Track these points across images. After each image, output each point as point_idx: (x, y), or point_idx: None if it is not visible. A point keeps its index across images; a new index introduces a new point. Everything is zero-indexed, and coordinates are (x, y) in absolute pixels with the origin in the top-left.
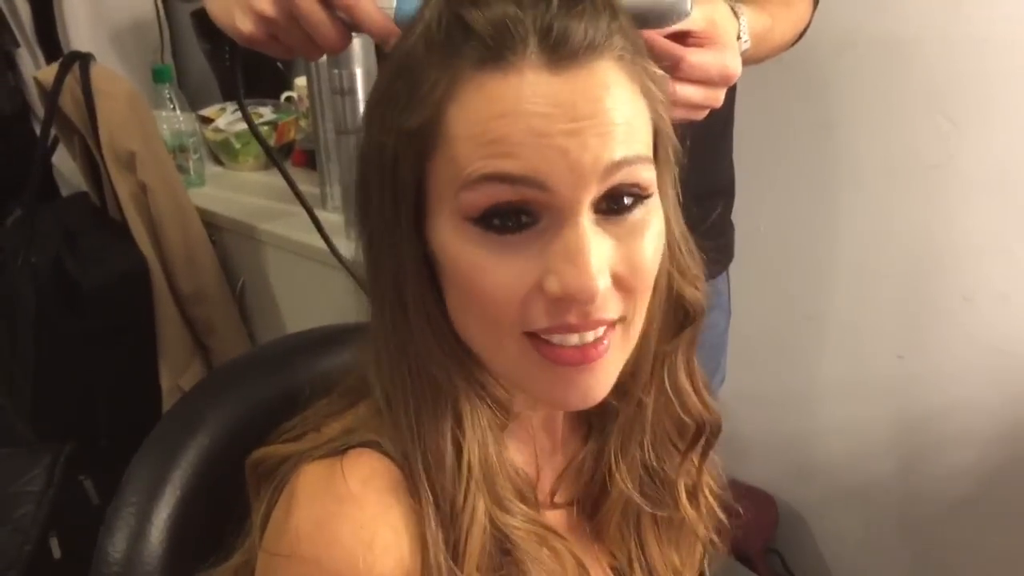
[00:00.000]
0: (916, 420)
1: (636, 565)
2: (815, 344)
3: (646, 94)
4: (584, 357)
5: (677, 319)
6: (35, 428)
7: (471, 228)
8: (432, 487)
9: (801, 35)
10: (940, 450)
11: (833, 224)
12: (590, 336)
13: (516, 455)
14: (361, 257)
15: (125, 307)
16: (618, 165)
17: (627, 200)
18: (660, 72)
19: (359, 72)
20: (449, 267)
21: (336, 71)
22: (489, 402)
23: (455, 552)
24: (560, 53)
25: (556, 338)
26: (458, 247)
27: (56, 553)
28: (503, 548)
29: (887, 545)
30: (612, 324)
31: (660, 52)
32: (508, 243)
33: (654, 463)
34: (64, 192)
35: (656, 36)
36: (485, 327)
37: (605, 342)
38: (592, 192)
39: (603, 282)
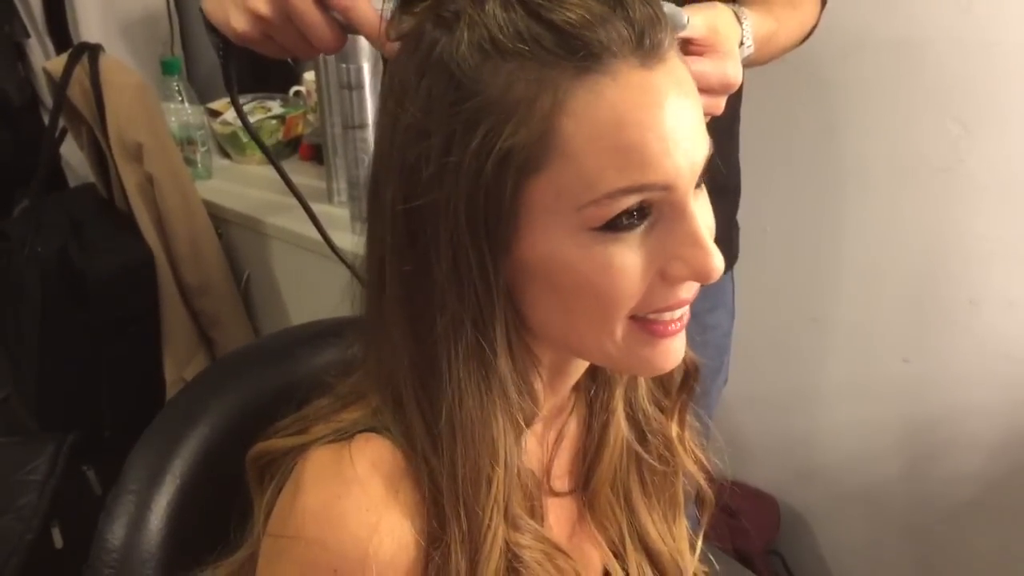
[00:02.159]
0: (921, 424)
1: (628, 536)
2: (820, 346)
3: (691, 76)
4: (681, 325)
5: None
6: (39, 418)
7: (591, 234)
8: (468, 519)
9: (808, 35)
10: (944, 454)
11: (840, 226)
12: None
13: (527, 450)
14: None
15: (130, 298)
16: (708, 154)
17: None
18: None
19: (366, 67)
20: (557, 274)
21: (344, 66)
22: (522, 416)
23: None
24: (654, 50)
25: (666, 314)
26: (575, 253)
27: (58, 543)
28: (511, 566)
29: (889, 548)
30: None
31: None
32: (630, 238)
33: (651, 415)
34: (72, 183)
35: None
36: (600, 320)
37: (687, 307)
38: (696, 181)
39: (720, 258)
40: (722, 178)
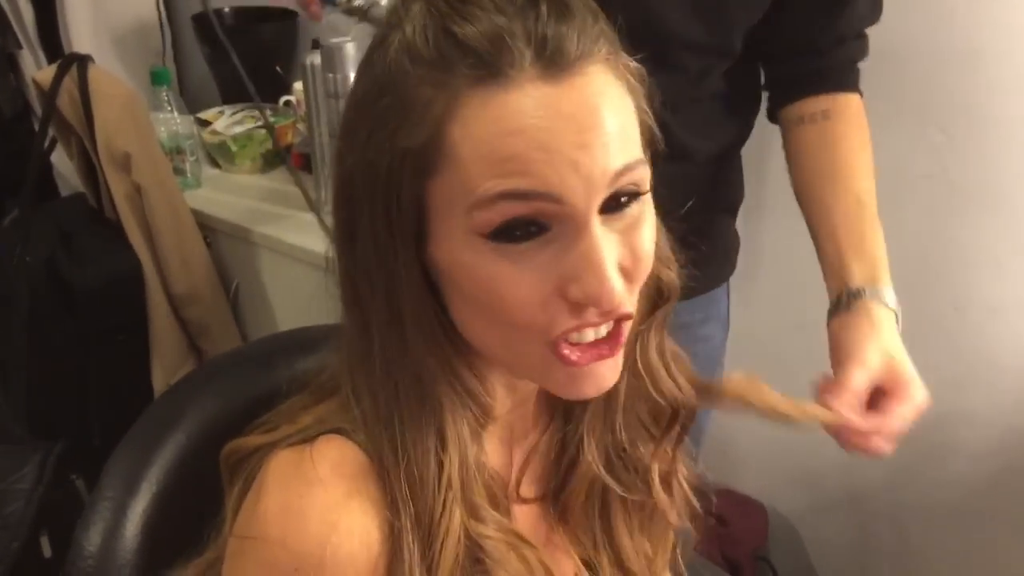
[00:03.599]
0: (907, 429)
1: (602, 551)
2: (806, 353)
3: (631, 91)
4: (600, 355)
5: (652, 300)
6: (28, 427)
7: (484, 242)
8: (414, 502)
9: None
10: (930, 460)
11: None
12: (604, 330)
13: (491, 453)
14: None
15: (118, 308)
16: (621, 172)
17: (625, 199)
18: (634, 64)
19: (353, 77)
20: (460, 280)
21: (330, 75)
22: (473, 411)
23: (429, 564)
24: (557, 64)
25: (574, 336)
26: (471, 260)
27: (46, 552)
28: (475, 557)
29: (877, 554)
30: (626, 317)
31: (865, 434)
32: (522, 252)
33: (627, 447)
34: (64, 192)
35: (857, 426)
36: (506, 334)
37: (621, 337)
38: (600, 199)
39: (619, 284)
40: (720, 198)
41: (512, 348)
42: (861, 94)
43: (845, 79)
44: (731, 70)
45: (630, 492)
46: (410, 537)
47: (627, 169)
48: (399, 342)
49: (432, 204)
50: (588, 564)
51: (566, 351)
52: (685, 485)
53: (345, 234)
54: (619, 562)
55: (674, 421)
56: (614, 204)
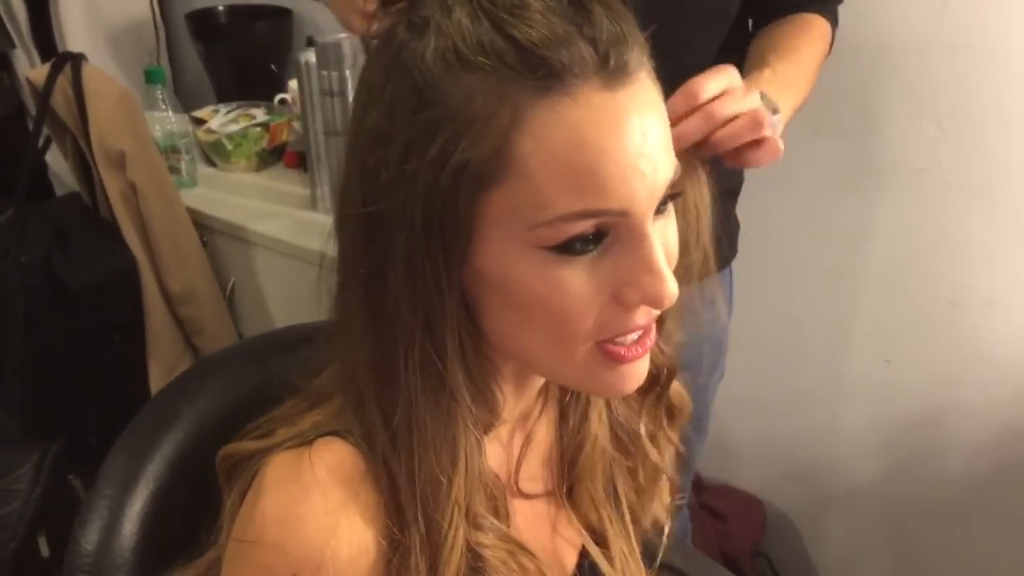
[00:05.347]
0: (904, 424)
1: (616, 524)
2: (803, 348)
3: (661, 93)
4: (643, 350)
5: None
6: (24, 427)
7: (545, 253)
8: (426, 522)
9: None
10: (927, 454)
11: (820, 229)
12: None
13: (491, 452)
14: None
15: (114, 306)
16: (672, 178)
17: (669, 201)
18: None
19: (349, 74)
20: (511, 290)
21: (325, 73)
22: (484, 422)
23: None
24: (621, 70)
25: (620, 337)
26: (526, 270)
27: (44, 552)
28: (473, 567)
29: (875, 549)
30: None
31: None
32: (581, 261)
33: (622, 417)
34: (59, 192)
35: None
36: (555, 340)
37: (652, 331)
38: (656, 205)
39: (674, 283)
40: (719, 180)
41: (560, 354)
42: (832, 22)
43: (805, 5)
44: (728, 43)
45: (629, 460)
46: (417, 555)
47: (674, 174)
48: (436, 358)
49: (485, 215)
50: (599, 542)
51: (621, 351)
52: (672, 436)
53: (370, 249)
54: (626, 534)
55: (664, 381)
56: (662, 207)
